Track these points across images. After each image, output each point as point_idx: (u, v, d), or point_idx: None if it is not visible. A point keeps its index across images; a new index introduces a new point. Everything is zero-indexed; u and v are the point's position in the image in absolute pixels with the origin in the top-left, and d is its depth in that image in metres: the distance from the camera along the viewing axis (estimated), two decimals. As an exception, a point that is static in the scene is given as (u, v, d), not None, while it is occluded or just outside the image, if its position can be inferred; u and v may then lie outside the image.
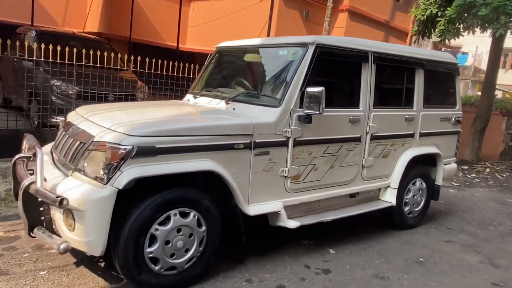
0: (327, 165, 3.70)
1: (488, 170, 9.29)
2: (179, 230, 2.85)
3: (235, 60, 4.34)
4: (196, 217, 2.92)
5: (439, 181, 4.88)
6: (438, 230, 4.84)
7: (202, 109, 3.68)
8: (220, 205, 3.18)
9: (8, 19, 10.03)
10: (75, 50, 6.43)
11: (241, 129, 3.09)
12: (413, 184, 4.62)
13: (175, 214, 2.81)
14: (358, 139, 3.89)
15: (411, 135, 4.43)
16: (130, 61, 7.36)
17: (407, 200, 4.58)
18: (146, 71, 7.60)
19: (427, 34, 9.64)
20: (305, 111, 3.28)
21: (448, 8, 8.33)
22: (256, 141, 3.17)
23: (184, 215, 2.87)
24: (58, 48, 6.28)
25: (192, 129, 2.88)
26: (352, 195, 4.13)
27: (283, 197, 3.45)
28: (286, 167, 3.39)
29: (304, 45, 3.49)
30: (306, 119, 3.35)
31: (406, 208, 4.59)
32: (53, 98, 6.19)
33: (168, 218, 2.80)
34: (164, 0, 11.05)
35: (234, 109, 3.52)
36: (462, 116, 5.03)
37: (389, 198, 4.35)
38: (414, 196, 4.64)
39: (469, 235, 4.81)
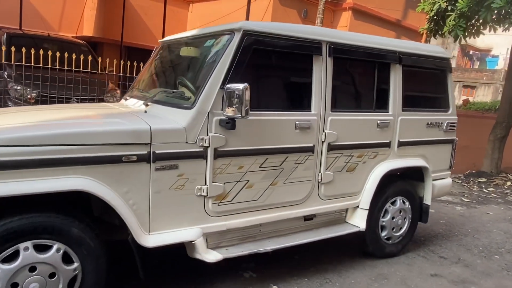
0: (266, 181, 2.97)
1: (509, 183, 8.20)
2: (32, 269, 2.20)
3: (174, 56, 3.70)
4: (61, 252, 2.27)
5: (427, 199, 4.03)
6: (427, 260, 3.99)
7: (107, 113, 3.04)
8: (114, 233, 2.53)
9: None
10: (41, 52, 6.04)
11: (133, 136, 2.42)
12: (392, 204, 3.81)
13: (26, 248, 2.17)
14: (310, 149, 3.15)
15: (387, 145, 3.64)
16: (112, 65, 6.95)
17: (383, 223, 3.77)
18: (121, 74, 7.15)
19: (439, 32, 8.72)
20: (224, 114, 2.60)
21: (459, 1, 7.43)
22: (157, 151, 2.50)
23: (43, 248, 2.23)
24: (23, 50, 5.92)
25: (58, 136, 2.23)
26: (307, 218, 3.37)
27: (203, 222, 2.75)
28: (204, 184, 2.69)
29: (230, 32, 2.80)
30: (228, 124, 2.65)
31: (383, 233, 3.78)
32: (9, 103, 5.76)
33: (16, 253, 2.17)
34: (161, 3, 10.62)
35: (146, 112, 2.87)
36: (456, 122, 4.17)
37: (358, 221, 3.56)
38: (393, 218, 3.82)
39: (465, 266, 3.93)
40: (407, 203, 3.91)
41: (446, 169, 4.23)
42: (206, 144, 2.65)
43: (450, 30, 7.77)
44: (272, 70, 3.09)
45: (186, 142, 2.59)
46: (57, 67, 6.14)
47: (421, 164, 3.88)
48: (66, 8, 10.68)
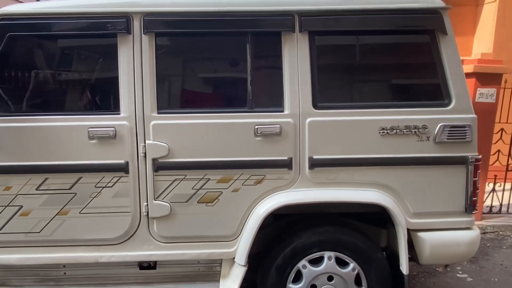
0: (50, 210, 2.22)
1: None
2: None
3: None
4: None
5: (402, 264, 2.27)
6: None
7: None
8: None
9: None
10: None
11: None
12: (313, 263, 2.30)
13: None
14: (121, 168, 2.20)
15: (282, 164, 2.23)
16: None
17: (293, 292, 2.32)
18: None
19: None
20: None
21: None
22: None
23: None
24: None
25: None
26: (144, 266, 2.37)
27: (-34, 253, 2.26)
28: (-43, 208, 2.21)
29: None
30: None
31: (299, 315, 2.31)
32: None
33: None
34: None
35: None
36: (472, 124, 2.23)
37: (230, 283, 2.28)
38: None
39: None
40: (351, 265, 2.30)
41: (454, 212, 2.31)
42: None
43: None
44: (51, 61, 2.31)
45: None
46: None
47: (373, 200, 2.22)
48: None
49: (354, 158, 2.24)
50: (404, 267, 2.26)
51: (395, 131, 2.23)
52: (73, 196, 2.22)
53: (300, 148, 2.24)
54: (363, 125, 2.23)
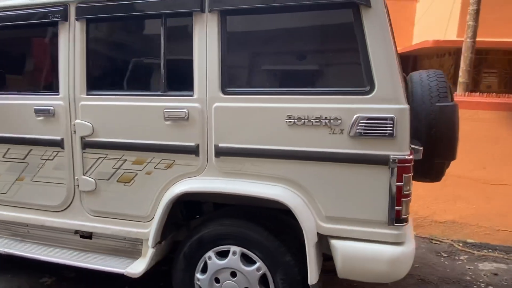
0: (12, 175, 2.60)
1: None
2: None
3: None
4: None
5: (310, 274, 2.00)
6: None
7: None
8: None
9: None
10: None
11: None
12: (220, 255, 2.19)
13: None
14: (57, 144, 2.44)
15: (190, 150, 2.17)
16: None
17: (199, 283, 2.24)
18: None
19: None
20: None
21: None
22: None
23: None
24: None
25: None
26: (84, 235, 2.58)
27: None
28: (-43, 166, 2.76)
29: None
30: None
31: (204, 303, 2.24)
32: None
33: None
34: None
35: None
36: (402, 116, 1.81)
37: (140, 263, 2.34)
38: (217, 281, 2.20)
39: None
40: (257, 264, 2.13)
41: (374, 221, 1.92)
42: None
43: None
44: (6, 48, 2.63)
45: None
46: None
47: (273, 196, 2.01)
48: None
49: (259, 149, 2.05)
50: (310, 276, 1.99)
51: (303, 121, 1.95)
52: (26, 165, 2.56)
53: (207, 135, 2.15)
54: (270, 113, 2.01)
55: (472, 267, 3.43)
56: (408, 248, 1.93)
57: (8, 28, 2.53)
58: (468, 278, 3.22)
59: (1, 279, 2.96)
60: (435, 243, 3.93)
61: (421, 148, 2.14)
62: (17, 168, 2.59)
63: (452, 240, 3.97)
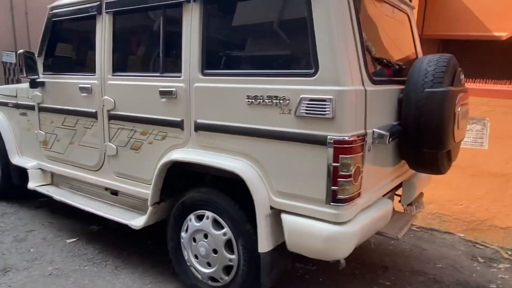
0: (67, 139, 3.27)
1: None
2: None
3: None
4: None
5: (261, 243, 2.16)
6: None
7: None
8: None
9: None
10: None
11: (10, 91, 3.79)
12: (199, 219, 2.48)
13: None
14: (94, 115, 3.00)
15: (177, 125, 2.49)
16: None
17: (182, 240, 2.57)
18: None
19: None
20: (20, 76, 3.36)
21: None
22: (19, 102, 3.71)
23: None
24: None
25: None
26: (113, 192, 3.12)
27: (40, 159, 3.60)
28: (36, 130, 3.54)
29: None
30: (33, 84, 3.37)
31: (187, 256, 2.56)
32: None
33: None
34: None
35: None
36: (341, 98, 1.83)
37: (140, 219, 2.76)
38: (194, 240, 2.49)
39: None
40: (224, 230, 2.36)
41: (315, 199, 1.98)
42: (33, 100, 3.51)
43: None
44: (70, 37, 3.22)
45: (28, 97, 3.59)
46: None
47: (230, 168, 2.21)
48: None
49: (224, 125, 2.26)
50: (260, 245, 2.15)
51: (258, 100, 2.10)
52: (75, 132, 3.20)
53: (190, 112, 2.43)
54: (233, 93, 2.20)
55: (507, 276, 3.06)
56: (348, 229, 1.95)
57: (66, 24, 3.21)
58: (494, 286, 2.91)
59: (64, 222, 3.73)
60: (479, 247, 3.57)
61: (387, 133, 2.09)
62: (70, 134, 3.25)
63: (500, 247, 3.56)
